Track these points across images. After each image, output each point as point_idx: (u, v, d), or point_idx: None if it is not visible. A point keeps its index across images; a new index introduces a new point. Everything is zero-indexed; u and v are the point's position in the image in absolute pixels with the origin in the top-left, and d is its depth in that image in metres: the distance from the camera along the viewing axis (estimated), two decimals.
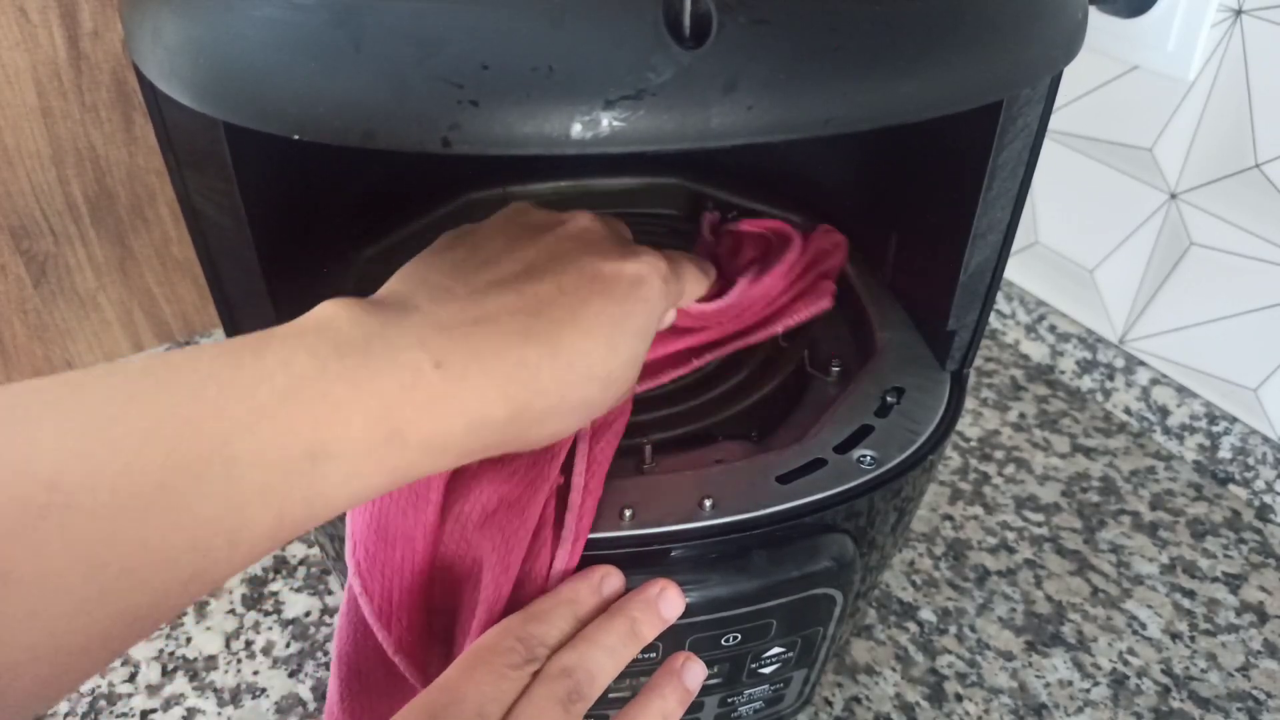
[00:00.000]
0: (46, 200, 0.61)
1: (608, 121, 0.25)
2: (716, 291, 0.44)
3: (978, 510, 0.63)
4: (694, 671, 0.34)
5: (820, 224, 0.51)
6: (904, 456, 0.40)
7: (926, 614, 0.56)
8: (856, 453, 0.40)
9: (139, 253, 0.67)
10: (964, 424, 0.71)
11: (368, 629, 0.34)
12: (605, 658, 0.32)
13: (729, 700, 0.43)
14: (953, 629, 0.55)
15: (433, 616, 0.35)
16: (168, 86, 0.28)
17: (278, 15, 0.26)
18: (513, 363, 0.30)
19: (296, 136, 0.25)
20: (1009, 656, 0.54)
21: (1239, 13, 0.56)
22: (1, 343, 0.65)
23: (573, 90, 0.24)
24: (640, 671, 0.37)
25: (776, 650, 0.41)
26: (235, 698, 0.50)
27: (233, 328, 0.39)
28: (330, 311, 0.29)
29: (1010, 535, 0.61)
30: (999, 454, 0.68)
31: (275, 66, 0.25)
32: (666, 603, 0.34)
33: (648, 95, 0.25)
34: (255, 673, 0.52)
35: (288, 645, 0.54)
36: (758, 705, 0.44)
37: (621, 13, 0.25)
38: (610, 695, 0.32)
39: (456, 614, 0.35)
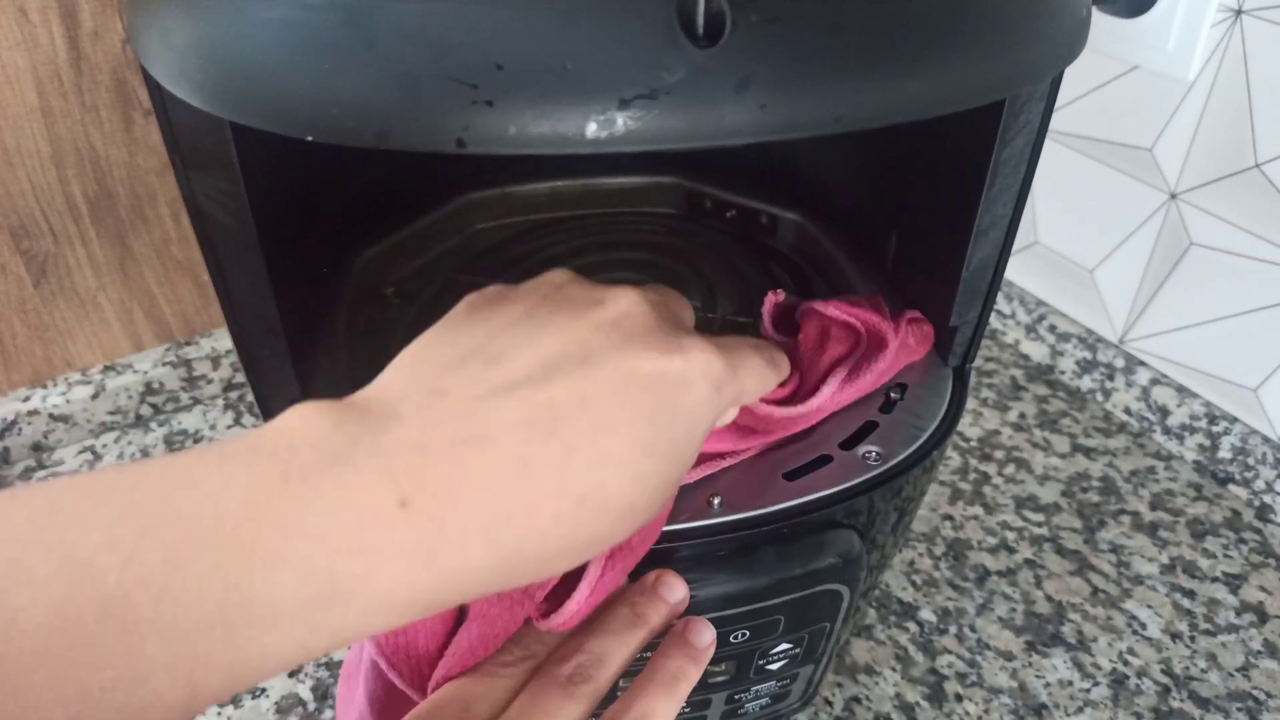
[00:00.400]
0: (46, 200, 0.61)
1: (622, 121, 0.25)
2: (790, 390, 0.39)
3: (978, 510, 0.63)
4: (698, 631, 0.33)
5: (908, 311, 0.45)
6: (909, 452, 0.40)
7: (926, 614, 0.56)
8: (862, 449, 0.40)
9: (139, 253, 0.66)
10: (964, 424, 0.71)
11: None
12: (608, 641, 0.31)
13: (736, 697, 0.43)
14: (953, 629, 0.55)
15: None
16: (176, 87, 0.28)
17: (289, 15, 0.25)
18: (504, 499, 0.24)
19: (309, 138, 0.25)
20: (1009, 656, 0.54)
21: (1239, 13, 0.56)
22: (1, 343, 0.64)
23: (587, 90, 0.24)
24: None
25: (784, 646, 0.41)
26: (235, 698, 0.50)
27: (238, 328, 0.39)
28: (294, 422, 0.24)
29: (1010, 535, 0.61)
30: (999, 454, 0.68)
31: (287, 67, 0.25)
32: (665, 587, 0.34)
33: (662, 94, 0.25)
34: None
35: None
36: (764, 701, 0.44)
37: (635, 12, 0.25)
38: (623, 688, 0.32)
39: None
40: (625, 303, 0.29)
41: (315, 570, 0.21)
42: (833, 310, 0.42)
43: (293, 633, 0.21)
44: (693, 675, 0.32)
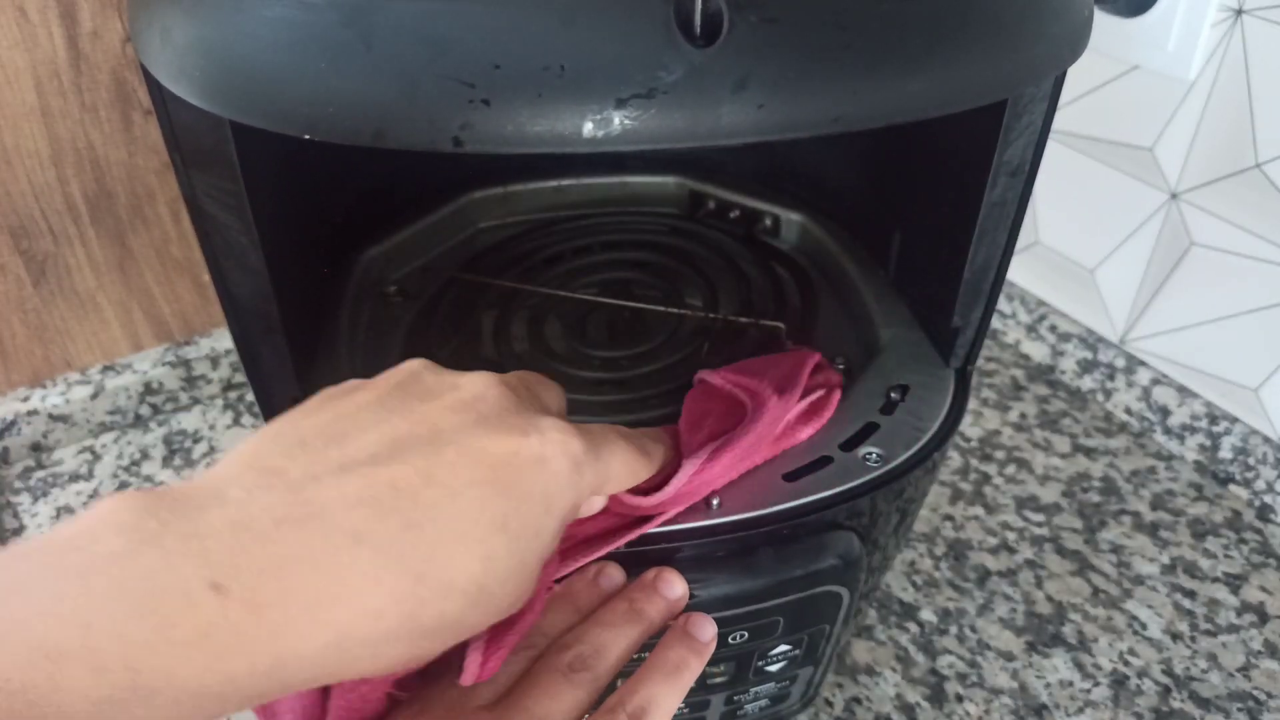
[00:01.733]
0: (46, 200, 0.61)
1: (619, 120, 0.25)
2: (668, 474, 0.35)
3: (978, 510, 0.63)
4: (699, 625, 0.33)
5: (808, 352, 0.42)
6: (910, 454, 0.40)
7: (927, 614, 0.56)
8: (862, 450, 0.40)
9: (138, 253, 0.66)
10: (965, 424, 0.71)
11: None
12: (606, 633, 0.31)
13: (735, 698, 0.43)
14: (953, 629, 0.55)
15: None
16: (176, 86, 0.28)
17: (288, 15, 0.26)
18: (334, 578, 0.22)
19: (307, 136, 0.25)
20: (1009, 657, 0.54)
21: (1239, 13, 0.56)
22: (1, 343, 0.64)
23: (584, 89, 0.25)
24: None
25: (783, 648, 0.41)
26: None
27: (239, 328, 0.39)
28: (104, 511, 0.22)
29: (1011, 535, 0.61)
30: (1000, 454, 0.68)
31: (286, 66, 0.25)
32: (664, 583, 0.34)
33: (659, 94, 0.25)
34: None
35: None
36: (763, 703, 0.44)
37: (633, 12, 0.25)
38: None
39: None
40: (480, 385, 0.28)
41: (109, 668, 0.19)
42: (718, 380, 0.40)
43: None
44: (695, 667, 0.32)
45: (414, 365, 0.29)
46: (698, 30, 0.25)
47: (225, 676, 0.21)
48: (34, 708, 0.19)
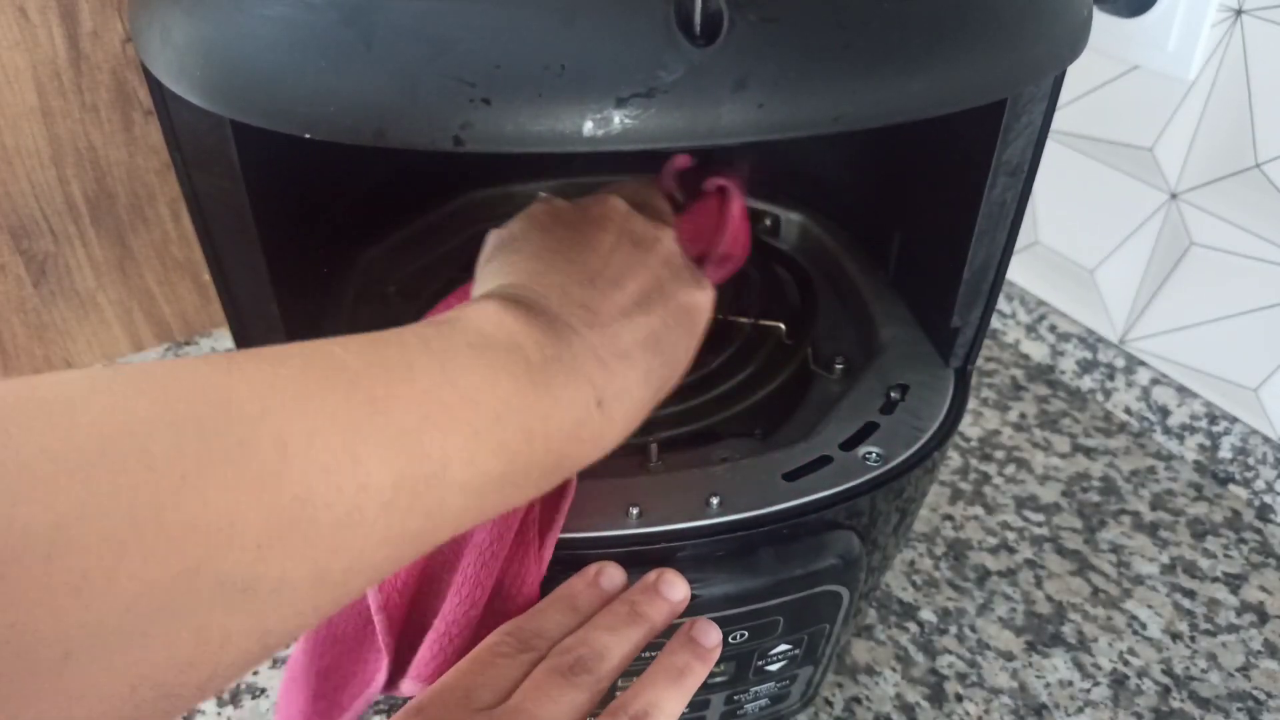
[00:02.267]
0: (46, 200, 0.61)
1: (619, 119, 0.25)
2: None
3: (978, 510, 0.63)
4: (704, 630, 0.34)
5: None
6: (909, 453, 0.40)
7: (927, 614, 0.56)
8: (862, 450, 0.40)
9: (138, 253, 0.66)
10: (964, 424, 0.71)
11: None
12: (608, 636, 0.31)
13: (735, 698, 0.43)
14: (953, 629, 0.55)
15: (419, 598, 0.35)
16: (177, 86, 0.28)
17: (289, 14, 0.26)
18: (640, 400, 0.33)
19: (307, 135, 0.25)
20: (1009, 657, 0.54)
21: (1239, 13, 0.56)
22: (1, 343, 0.64)
23: (585, 88, 0.25)
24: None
25: (783, 648, 0.41)
26: (235, 698, 0.50)
27: (239, 327, 0.39)
28: (510, 325, 0.30)
29: (1010, 535, 0.61)
30: (999, 454, 0.68)
31: (286, 65, 0.25)
32: (665, 585, 0.34)
33: (659, 93, 0.25)
34: (255, 673, 0.52)
35: (288, 646, 0.53)
36: (763, 703, 0.44)
37: (633, 11, 0.25)
38: (620, 691, 0.32)
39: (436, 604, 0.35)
40: (668, 242, 0.38)
41: (550, 450, 0.29)
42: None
43: (496, 498, 0.28)
44: (699, 672, 0.32)
45: (618, 206, 0.39)
46: (698, 29, 0.25)
47: (572, 466, 0.31)
48: (511, 475, 0.28)
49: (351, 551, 0.23)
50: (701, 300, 0.37)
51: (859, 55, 0.26)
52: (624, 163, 0.61)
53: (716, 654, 0.34)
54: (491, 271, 0.36)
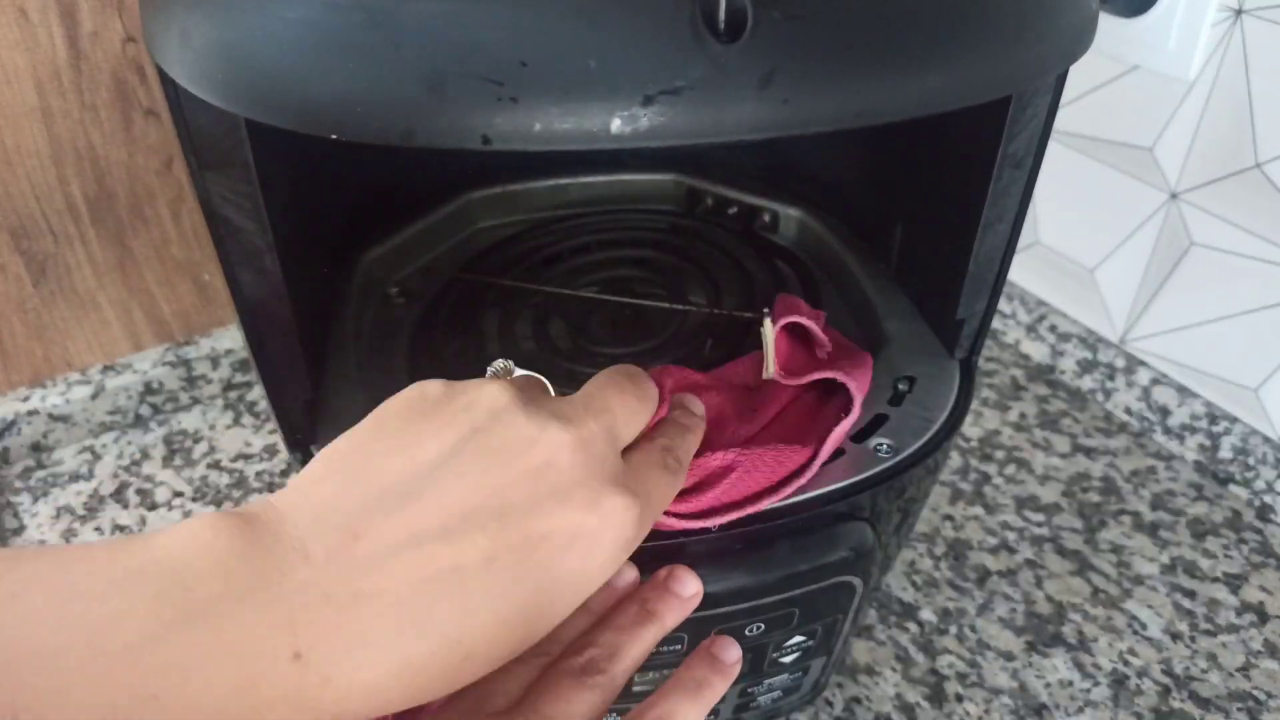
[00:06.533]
0: (46, 200, 0.61)
1: (646, 117, 0.25)
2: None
3: (978, 510, 0.63)
4: (724, 647, 0.33)
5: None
6: (920, 443, 0.40)
7: (927, 614, 0.56)
8: (873, 441, 0.40)
9: (138, 253, 0.66)
10: (965, 424, 0.71)
11: None
12: (619, 635, 0.31)
13: (749, 690, 0.43)
14: (953, 629, 0.55)
15: None
16: (197, 88, 0.28)
17: (314, 16, 0.26)
18: (395, 659, 0.24)
19: (334, 137, 0.25)
20: (1009, 657, 0.54)
21: (1239, 12, 0.56)
22: (1, 342, 0.64)
23: (612, 86, 0.25)
24: (669, 664, 0.37)
25: (798, 639, 0.41)
26: None
27: (253, 330, 0.39)
28: (197, 539, 0.23)
29: (1011, 535, 0.61)
30: (999, 454, 0.68)
31: (313, 68, 0.26)
32: (677, 582, 0.33)
33: (685, 90, 0.25)
34: None
35: None
36: (776, 694, 0.44)
37: (658, 10, 0.25)
38: (635, 689, 0.32)
39: None
40: (557, 449, 0.28)
41: (197, 710, 0.21)
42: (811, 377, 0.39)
43: None
44: (718, 687, 0.32)
45: (493, 401, 0.29)
46: (722, 27, 0.25)
47: None
48: None
49: None
50: (583, 525, 0.27)
51: (880, 51, 0.27)
52: (622, 162, 0.61)
53: (736, 670, 0.33)
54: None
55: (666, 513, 0.35)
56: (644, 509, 0.29)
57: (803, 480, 0.37)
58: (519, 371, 0.35)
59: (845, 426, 0.38)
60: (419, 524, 0.25)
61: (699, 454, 0.36)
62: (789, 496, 0.37)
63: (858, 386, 0.38)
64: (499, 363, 0.35)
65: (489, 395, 0.29)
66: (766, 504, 0.37)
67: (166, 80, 0.30)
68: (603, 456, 0.29)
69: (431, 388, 0.29)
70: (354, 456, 0.27)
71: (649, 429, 0.33)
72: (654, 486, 0.31)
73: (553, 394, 0.33)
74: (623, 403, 0.31)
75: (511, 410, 0.28)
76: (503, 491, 0.27)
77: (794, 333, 0.42)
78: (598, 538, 0.28)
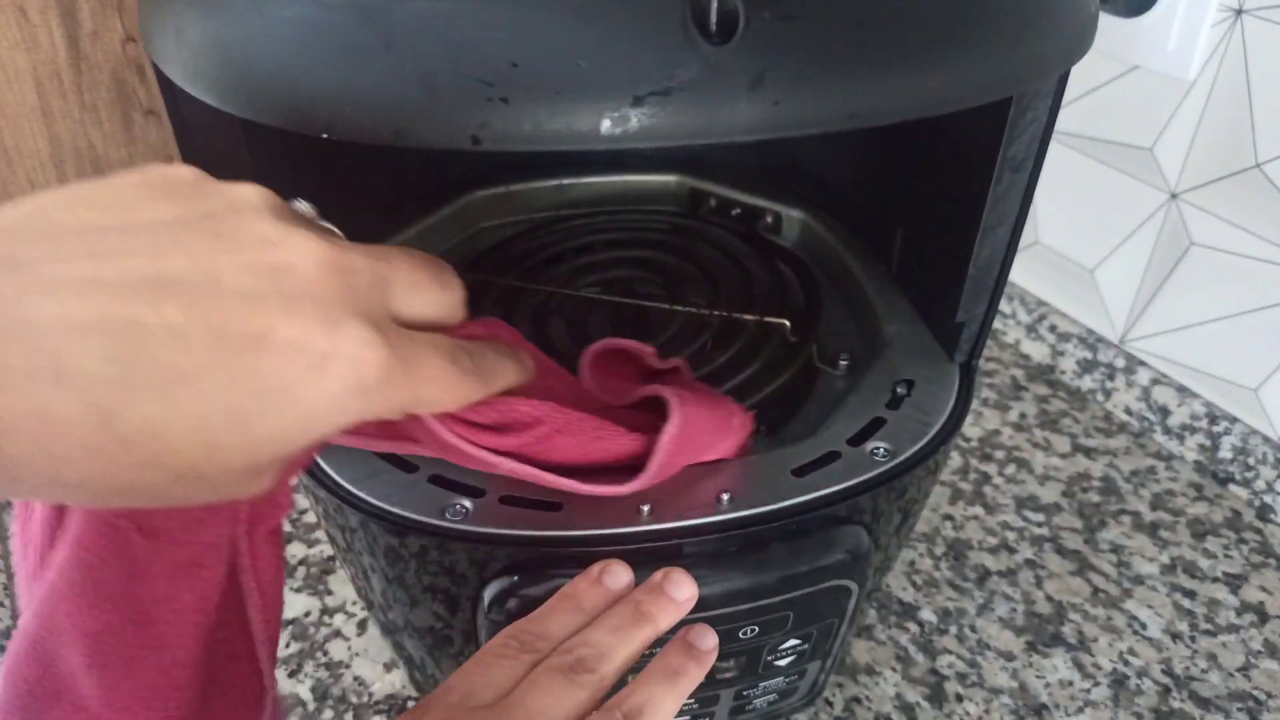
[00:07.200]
0: None
1: (636, 117, 0.25)
2: (507, 417, 0.33)
3: (978, 510, 0.63)
4: (700, 634, 0.33)
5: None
6: (917, 448, 0.40)
7: (927, 614, 0.56)
8: (870, 445, 0.40)
9: None
10: (965, 424, 0.71)
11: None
12: (610, 636, 0.31)
13: (744, 693, 0.43)
14: (953, 629, 0.55)
15: None
16: (192, 87, 0.28)
17: (307, 15, 0.26)
18: (24, 402, 0.20)
19: (325, 135, 0.25)
20: (1009, 657, 0.54)
21: (1239, 12, 0.56)
22: None
23: (602, 87, 0.25)
24: None
25: (793, 643, 0.41)
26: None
27: None
28: None
29: (1011, 535, 0.61)
30: (999, 454, 0.68)
31: (305, 66, 0.26)
32: (672, 584, 0.33)
33: (676, 91, 0.25)
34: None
35: (287, 645, 0.53)
36: (771, 698, 0.44)
37: (649, 10, 0.25)
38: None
39: None
40: (307, 258, 0.23)
41: None
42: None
43: None
44: (694, 674, 0.32)
45: (242, 198, 0.24)
46: (714, 28, 0.25)
47: None
48: None
49: None
50: (305, 347, 0.22)
51: (873, 52, 0.27)
52: (624, 162, 0.61)
53: (712, 657, 0.33)
54: None
55: (453, 430, 0.31)
56: (397, 366, 0.24)
57: (623, 490, 0.35)
58: (324, 224, 0.28)
59: (669, 433, 0.36)
60: (93, 270, 0.21)
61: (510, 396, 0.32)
62: (603, 496, 0.36)
63: (680, 400, 0.36)
64: (300, 203, 0.28)
65: (241, 192, 0.24)
66: (572, 488, 0.34)
67: (163, 79, 0.31)
68: (362, 293, 0.24)
69: (182, 170, 0.25)
70: (57, 200, 0.23)
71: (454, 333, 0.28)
72: (425, 363, 0.26)
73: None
74: (411, 268, 0.26)
75: (259, 210, 0.24)
76: (216, 271, 0.22)
77: (610, 361, 0.40)
78: (326, 362, 0.22)
